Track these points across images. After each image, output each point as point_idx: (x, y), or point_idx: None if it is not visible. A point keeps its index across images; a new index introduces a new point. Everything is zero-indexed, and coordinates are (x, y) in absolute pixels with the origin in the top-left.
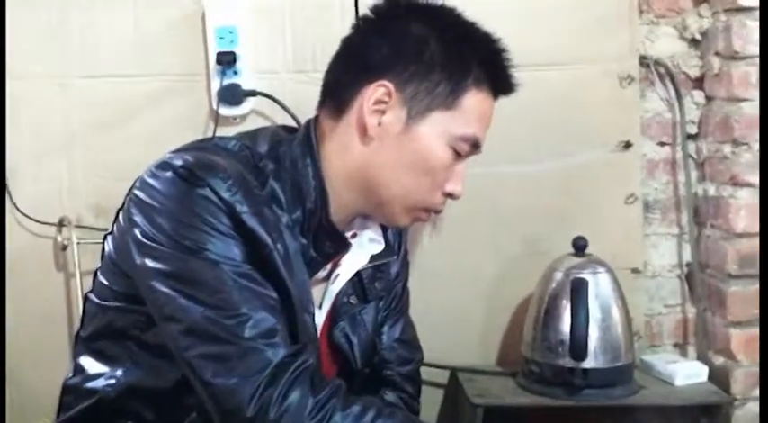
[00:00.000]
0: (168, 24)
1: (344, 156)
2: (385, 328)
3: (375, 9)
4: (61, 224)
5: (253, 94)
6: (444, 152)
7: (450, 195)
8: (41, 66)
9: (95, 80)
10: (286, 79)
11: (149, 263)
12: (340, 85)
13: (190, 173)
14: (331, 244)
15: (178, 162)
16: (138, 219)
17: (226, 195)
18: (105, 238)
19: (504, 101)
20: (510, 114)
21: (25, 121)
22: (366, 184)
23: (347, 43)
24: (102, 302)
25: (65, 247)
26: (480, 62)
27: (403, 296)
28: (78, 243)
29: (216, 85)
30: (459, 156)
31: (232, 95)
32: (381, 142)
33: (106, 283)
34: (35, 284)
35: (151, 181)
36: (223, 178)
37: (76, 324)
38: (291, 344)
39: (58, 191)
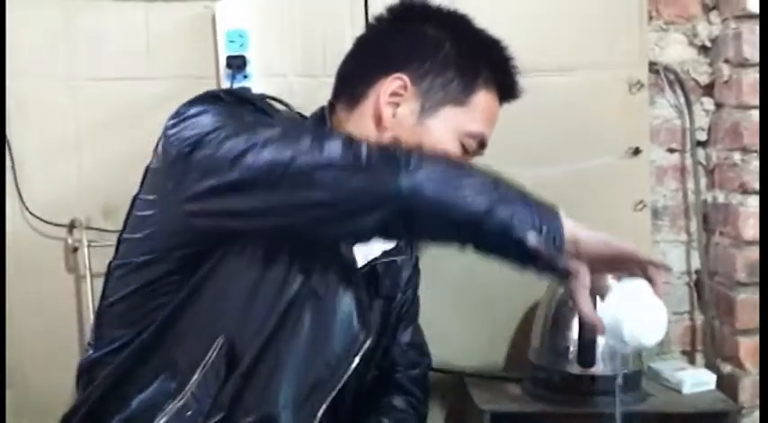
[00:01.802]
0: (178, 27)
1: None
2: (396, 332)
3: (390, 10)
4: (72, 226)
5: (262, 97)
6: (454, 146)
7: None
8: (50, 67)
9: (105, 82)
10: (295, 83)
11: (202, 151)
12: (356, 77)
13: (231, 95)
14: None
15: (216, 91)
16: (180, 129)
17: (270, 111)
18: (133, 200)
19: (514, 106)
20: (519, 120)
21: (34, 122)
22: None
23: (362, 40)
24: (133, 260)
25: (75, 249)
26: (490, 65)
27: (414, 302)
28: (89, 245)
29: (226, 88)
30: (465, 152)
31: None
32: (394, 133)
33: (136, 237)
34: (45, 286)
35: (188, 105)
36: (265, 104)
37: (87, 326)
38: None
39: (67, 192)
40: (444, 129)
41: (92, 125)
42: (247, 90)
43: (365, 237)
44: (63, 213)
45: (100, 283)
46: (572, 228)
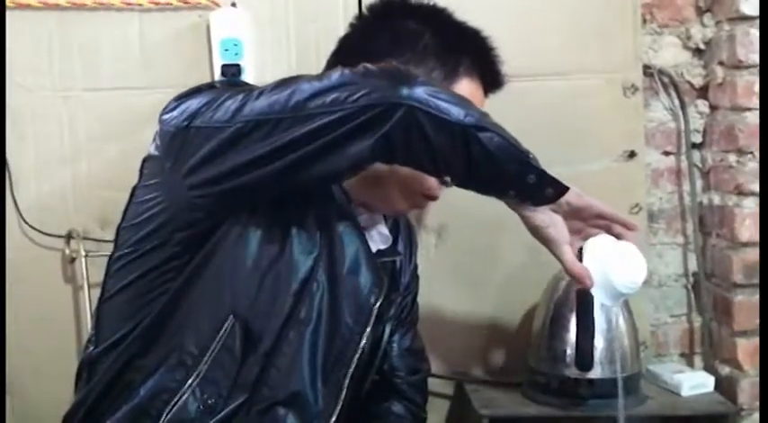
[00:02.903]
0: (173, 37)
1: None
2: (395, 338)
3: (371, 8)
4: (69, 236)
5: None
6: None
7: (444, 182)
8: (46, 78)
9: (100, 93)
10: None
11: (203, 117)
12: None
13: (227, 83)
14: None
15: (209, 83)
16: (178, 111)
17: None
18: (133, 191)
19: (507, 110)
20: (514, 124)
21: (31, 133)
22: (368, 170)
23: (344, 40)
24: (134, 249)
25: (73, 260)
26: (471, 54)
27: (413, 308)
28: (86, 255)
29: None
30: None
31: None
32: None
33: (136, 223)
34: (43, 297)
35: (182, 97)
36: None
37: (85, 335)
38: None
39: (64, 203)
40: None
41: (87, 136)
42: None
43: (369, 156)
44: (60, 224)
45: (97, 292)
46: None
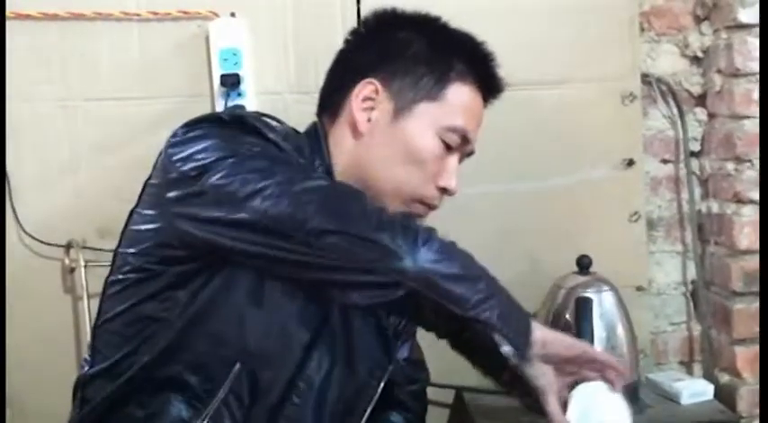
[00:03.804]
0: (173, 47)
1: (341, 155)
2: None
3: (364, 22)
4: (69, 246)
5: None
6: (433, 142)
7: (444, 190)
8: (46, 88)
9: (99, 103)
10: (290, 100)
11: (209, 179)
12: (333, 91)
13: (235, 118)
14: None
15: (216, 114)
16: (184, 153)
17: (271, 135)
18: (131, 214)
19: (507, 119)
20: (513, 133)
21: (30, 143)
22: (362, 178)
23: (339, 55)
24: (130, 276)
25: (72, 270)
26: (463, 58)
27: None
28: (86, 265)
29: (220, 106)
30: (449, 148)
31: None
32: (372, 138)
33: (132, 251)
34: (42, 307)
35: (191, 130)
36: (264, 125)
37: (84, 346)
38: None
39: (64, 213)
40: (421, 126)
41: (87, 146)
42: (241, 108)
43: (362, 306)
44: (60, 234)
45: (97, 302)
46: (540, 332)
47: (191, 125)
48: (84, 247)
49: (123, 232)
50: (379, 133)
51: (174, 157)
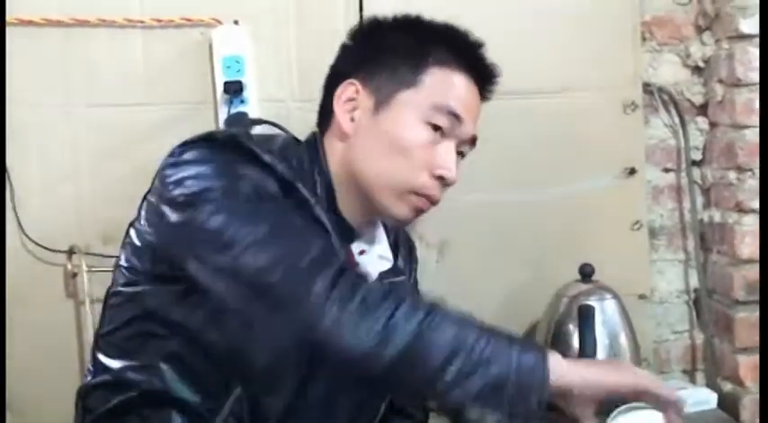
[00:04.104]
0: (176, 54)
1: (334, 158)
2: None
3: (352, 34)
4: (71, 252)
5: (259, 121)
6: (416, 129)
7: (441, 179)
8: (49, 94)
9: (102, 109)
10: (293, 108)
11: (195, 212)
12: (324, 101)
13: (232, 140)
14: (337, 236)
15: (216, 133)
16: (179, 176)
17: (267, 158)
18: (130, 226)
19: (508, 127)
20: (515, 141)
21: (34, 149)
22: (355, 181)
23: (329, 69)
24: (129, 289)
25: (75, 275)
26: (442, 44)
27: None
28: (88, 270)
29: (223, 113)
30: (439, 130)
31: (239, 123)
32: (357, 137)
33: (130, 266)
34: (44, 313)
35: (189, 148)
36: (259, 146)
37: (87, 351)
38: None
39: (66, 219)
40: (402, 115)
41: (90, 152)
42: (244, 115)
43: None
44: (62, 239)
45: (99, 308)
46: (565, 374)
47: (187, 144)
48: (87, 253)
49: (123, 245)
50: (363, 130)
51: (168, 179)
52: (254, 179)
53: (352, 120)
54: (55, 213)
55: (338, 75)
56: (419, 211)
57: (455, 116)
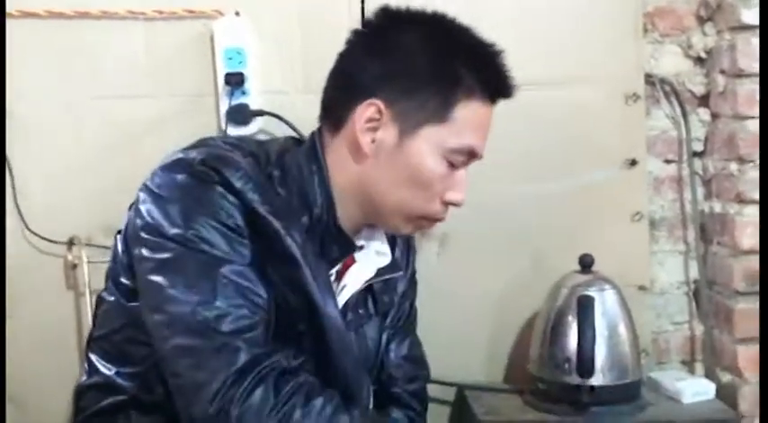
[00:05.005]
0: (177, 46)
1: (343, 171)
2: (392, 346)
3: (367, 23)
4: (71, 243)
5: (260, 113)
6: (438, 165)
7: (452, 203)
8: (51, 86)
9: (104, 101)
10: (295, 99)
11: (146, 252)
12: (335, 102)
13: (203, 166)
14: (338, 248)
15: (191, 157)
16: (145, 209)
17: (238, 184)
18: (117, 234)
19: (509, 120)
20: (516, 132)
21: (35, 140)
22: (365, 198)
23: (341, 59)
24: (116, 298)
25: (75, 266)
26: (471, 70)
27: (410, 315)
28: (88, 262)
29: (224, 105)
30: (454, 166)
31: (240, 115)
32: (377, 159)
33: (115, 277)
34: (45, 303)
35: (163, 174)
36: (236, 169)
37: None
38: (266, 345)
39: (68, 210)
40: (426, 149)
41: (92, 143)
42: (245, 108)
43: None
44: (63, 231)
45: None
46: None
47: (167, 170)
48: (87, 244)
49: (112, 254)
50: (384, 155)
51: (140, 204)
52: (210, 225)
53: (373, 140)
54: (56, 205)
55: (358, 86)
56: (423, 230)
57: (473, 154)
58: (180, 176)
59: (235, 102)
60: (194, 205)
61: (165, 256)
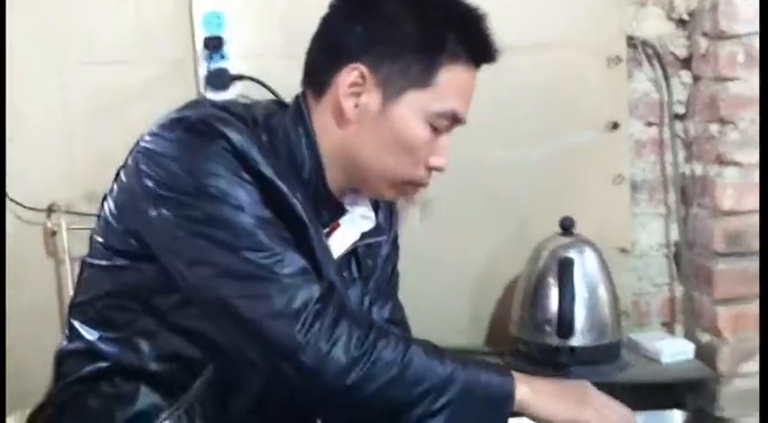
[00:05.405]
0: (157, 11)
1: (327, 136)
2: (374, 309)
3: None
4: (51, 210)
5: (240, 78)
6: (422, 129)
7: (435, 169)
8: (38, 51)
9: (88, 67)
10: (275, 63)
11: (169, 211)
12: (318, 66)
13: (205, 124)
14: (327, 212)
15: (190, 115)
16: (151, 170)
17: (240, 145)
18: (104, 198)
19: (492, 84)
20: (498, 97)
21: (23, 106)
22: (349, 163)
23: (324, 23)
24: (103, 263)
25: (54, 233)
26: (455, 35)
27: (392, 279)
28: (68, 229)
29: (203, 69)
30: (438, 131)
31: (219, 80)
32: (360, 124)
33: (104, 241)
34: (25, 271)
35: (163, 133)
36: (237, 129)
37: (65, 311)
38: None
39: (51, 177)
40: (410, 114)
41: (77, 111)
42: (224, 73)
43: None
44: (46, 198)
45: (79, 265)
46: (528, 406)
47: (165, 128)
48: (68, 212)
49: (98, 217)
50: (368, 121)
51: (141, 165)
52: (225, 176)
53: (356, 105)
54: (39, 171)
55: (341, 50)
56: (407, 195)
57: (457, 119)
58: (181, 134)
59: (214, 66)
60: (202, 161)
61: (194, 211)
